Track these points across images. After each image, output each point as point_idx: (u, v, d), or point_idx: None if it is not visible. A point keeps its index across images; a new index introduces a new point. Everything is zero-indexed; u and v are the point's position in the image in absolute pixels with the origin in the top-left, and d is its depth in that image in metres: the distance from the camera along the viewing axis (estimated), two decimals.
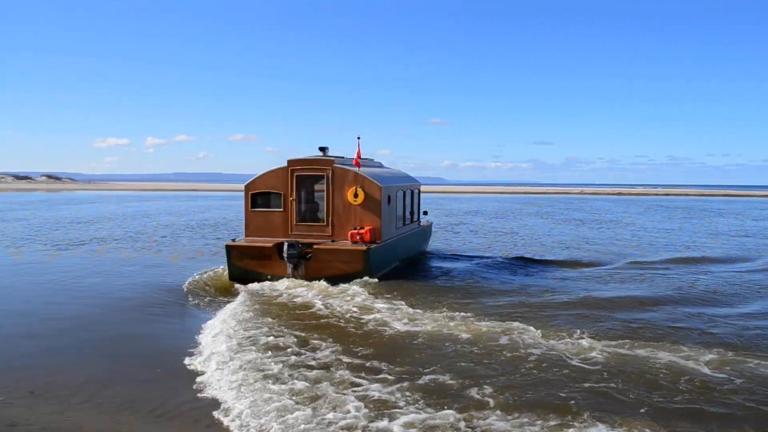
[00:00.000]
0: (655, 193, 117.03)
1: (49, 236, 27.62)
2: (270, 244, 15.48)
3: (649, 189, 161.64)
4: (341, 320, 11.64)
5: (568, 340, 10.24)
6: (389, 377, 8.44)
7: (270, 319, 11.58)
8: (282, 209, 16.32)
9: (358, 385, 8.14)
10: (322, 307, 12.64)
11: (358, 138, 16.70)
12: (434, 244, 24.01)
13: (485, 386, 8.07)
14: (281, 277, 15.24)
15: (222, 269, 16.67)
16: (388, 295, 13.61)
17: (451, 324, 11.22)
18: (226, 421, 7.19)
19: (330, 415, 7.12)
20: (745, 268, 19.05)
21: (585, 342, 10.08)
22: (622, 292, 14.56)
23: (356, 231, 15.52)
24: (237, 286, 15.21)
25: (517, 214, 48.28)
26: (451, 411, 7.23)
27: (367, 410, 7.28)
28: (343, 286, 14.32)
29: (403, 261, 18.26)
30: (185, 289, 14.89)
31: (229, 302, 13.47)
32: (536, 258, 20.79)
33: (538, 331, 10.68)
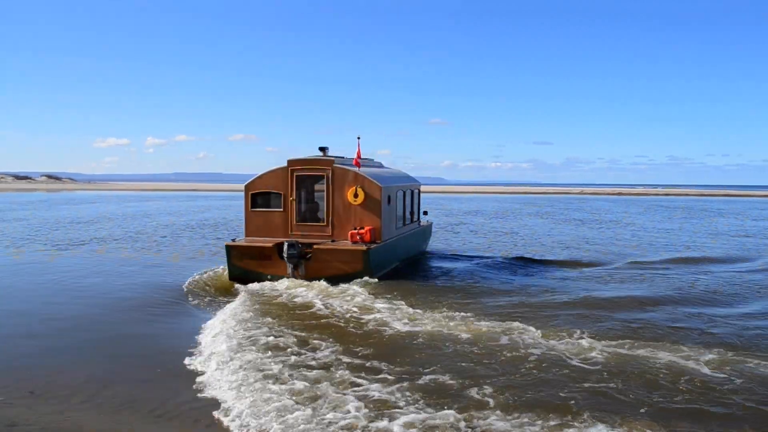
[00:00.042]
0: (655, 193, 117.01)
1: (49, 236, 27.61)
2: (270, 244, 15.47)
3: (649, 189, 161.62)
4: (341, 320, 11.64)
5: (568, 340, 10.24)
6: (389, 377, 8.44)
7: (270, 319, 11.58)
8: (282, 209, 16.32)
9: (358, 385, 8.14)
10: (322, 307, 12.64)
11: (358, 138, 16.73)
12: (434, 244, 24.01)
13: (485, 386, 8.07)
14: (281, 277, 15.24)
15: (222, 269, 16.67)
16: (388, 295, 13.61)
17: (451, 324, 11.22)
18: (226, 421, 7.19)
19: (330, 415, 7.12)
20: (745, 268, 19.05)
21: (585, 342, 10.08)
22: (622, 292, 14.56)
23: (356, 231, 15.52)
24: (237, 286, 15.21)
25: (517, 214, 48.27)
26: (451, 411, 7.23)
27: (367, 410, 7.28)
28: (343, 286, 14.32)
29: (404, 261, 18.25)
30: (185, 289, 14.89)
31: (229, 302, 13.47)
32: (536, 258, 20.78)
33: (538, 331, 10.68)
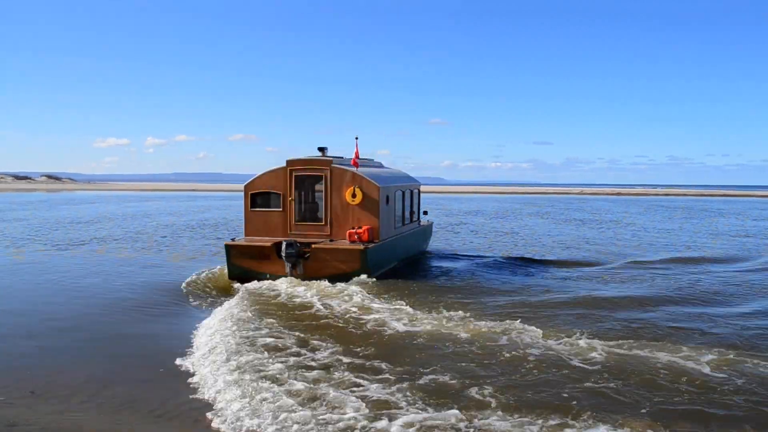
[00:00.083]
0: (655, 193, 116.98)
1: (49, 236, 27.61)
2: (269, 244, 15.50)
3: (649, 189, 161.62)
4: (341, 320, 11.63)
5: (568, 340, 10.23)
6: (389, 377, 8.43)
7: (269, 319, 11.56)
8: (281, 209, 16.34)
9: (358, 385, 8.13)
10: (321, 307, 12.63)
11: (356, 138, 16.78)
12: (434, 243, 24.00)
13: (485, 386, 8.06)
14: (280, 276, 15.26)
15: (222, 269, 16.68)
16: (388, 295, 13.60)
17: (451, 324, 11.21)
18: (226, 421, 7.18)
19: (329, 416, 7.11)
20: (745, 268, 19.04)
21: (585, 342, 10.07)
22: (622, 292, 14.55)
23: (354, 230, 15.55)
24: (236, 285, 15.22)
25: (517, 214, 48.28)
26: (451, 411, 7.22)
27: (367, 410, 7.27)
28: (341, 285, 14.33)
29: (403, 260, 18.26)
30: (185, 289, 14.89)
31: (228, 302, 13.46)
32: (536, 258, 20.78)
33: (538, 331, 10.67)
